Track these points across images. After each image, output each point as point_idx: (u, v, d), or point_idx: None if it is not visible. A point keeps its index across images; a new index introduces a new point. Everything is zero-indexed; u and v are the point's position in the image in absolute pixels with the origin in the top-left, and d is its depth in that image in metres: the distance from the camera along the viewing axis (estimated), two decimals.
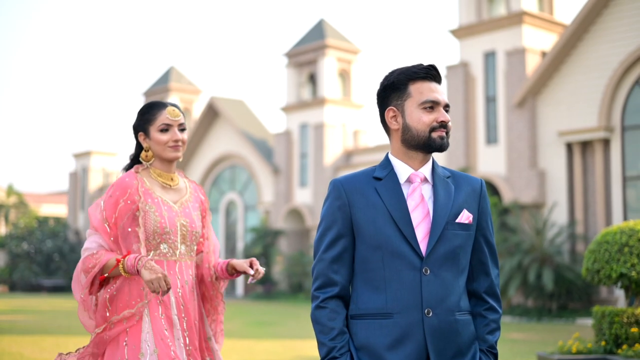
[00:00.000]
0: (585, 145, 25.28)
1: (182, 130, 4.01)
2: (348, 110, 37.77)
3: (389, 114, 3.15)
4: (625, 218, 23.88)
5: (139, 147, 4.07)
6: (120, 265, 3.70)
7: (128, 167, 4.08)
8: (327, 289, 3.07)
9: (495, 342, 3.15)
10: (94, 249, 3.81)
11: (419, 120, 3.07)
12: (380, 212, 3.04)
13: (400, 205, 3.04)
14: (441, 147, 3.09)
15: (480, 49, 28.20)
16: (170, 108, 3.98)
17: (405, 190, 3.09)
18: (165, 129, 3.95)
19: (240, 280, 40.34)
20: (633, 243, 9.73)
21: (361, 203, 3.07)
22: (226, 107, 41.32)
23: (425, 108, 3.08)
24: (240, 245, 40.21)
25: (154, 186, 3.96)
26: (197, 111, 45.90)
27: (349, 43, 38.55)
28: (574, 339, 10.53)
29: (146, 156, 4.02)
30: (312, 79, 38.68)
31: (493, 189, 26.75)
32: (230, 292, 41.06)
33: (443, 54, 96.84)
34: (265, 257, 37.18)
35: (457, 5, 29.28)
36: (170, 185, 4.02)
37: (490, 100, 27.83)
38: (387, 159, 3.17)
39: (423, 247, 3.00)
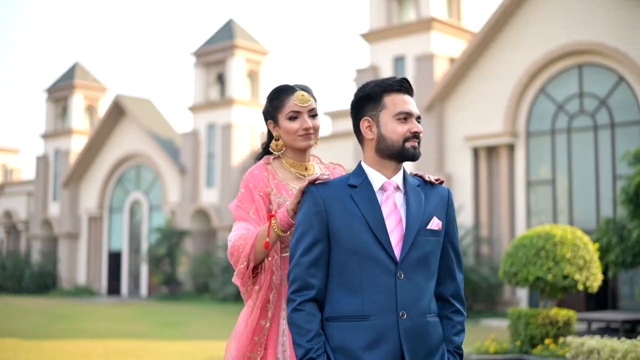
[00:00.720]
0: (491, 150, 25.90)
1: (313, 116, 3.74)
2: (256, 111, 37.78)
3: (364, 124, 3.25)
4: (528, 221, 24.57)
5: (270, 136, 3.83)
6: (274, 221, 3.45)
7: (259, 157, 3.84)
8: (304, 292, 3.14)
9: (461, 342, 3.30)
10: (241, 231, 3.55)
11: (394, 130, 3.19)
12: (356, 219, 3.13)
13: (375, 212, 3.14)
14: (413, 157, 3.22)
15: (389, 54, 28.58)
16: (299, 93, 3.71)
17: (379, 197, 3.20)
18: (294, 116, 3.69)
19: (144, 280, 39.89)
20: (549, 247, 10.04)
21: (338, 210, 3.16)
22: (132, 106, 40.80)
23: (399, 119, 3.20)
24: (144, 246, 39.71)
25: (287, 177, 3.72)
26: (102, 109, 45.10)
27: (258, 44, 38.55)
28: (491, 340, 10.81)
29: (276, 145, 3.76)
30: (221, 79, 38.54)
31: None
32: (134, 292, 40.55)
33: (353, 57, 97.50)
34: (170, 258, 36.86)
35: (368, 10, 29.62)
36: (304, 176, 3.73)
37: None
38: (360, 168, 3.27)
39: (397, 252, 3.12)
